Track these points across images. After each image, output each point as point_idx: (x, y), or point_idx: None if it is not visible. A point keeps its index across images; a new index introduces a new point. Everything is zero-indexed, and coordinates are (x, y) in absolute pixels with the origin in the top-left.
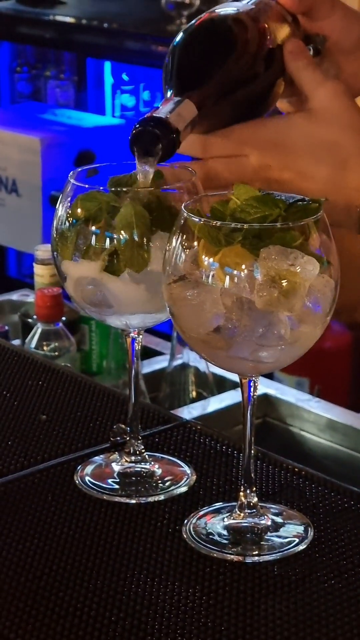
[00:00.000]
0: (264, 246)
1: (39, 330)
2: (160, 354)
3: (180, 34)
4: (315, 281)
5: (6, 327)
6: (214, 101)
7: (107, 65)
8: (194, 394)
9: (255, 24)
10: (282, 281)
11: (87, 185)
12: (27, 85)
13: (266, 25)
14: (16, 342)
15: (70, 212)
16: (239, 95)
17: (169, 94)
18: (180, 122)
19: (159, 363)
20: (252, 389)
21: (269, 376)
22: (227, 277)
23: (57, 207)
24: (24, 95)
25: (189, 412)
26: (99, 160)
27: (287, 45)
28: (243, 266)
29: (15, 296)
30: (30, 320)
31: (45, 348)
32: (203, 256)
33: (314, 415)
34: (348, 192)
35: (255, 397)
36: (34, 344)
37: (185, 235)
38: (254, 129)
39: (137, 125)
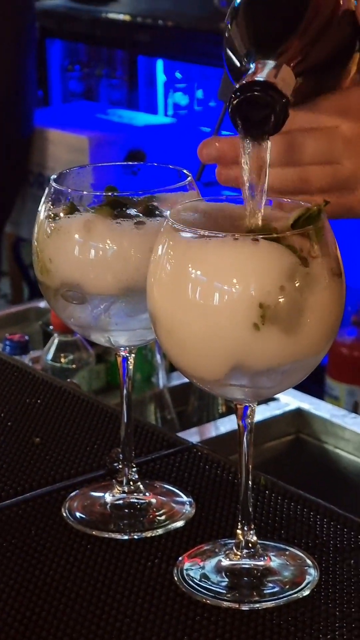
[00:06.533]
0: None
1: (56, 341)
2: None
3: None
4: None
5: (26, 337)
6: (305, 67)
7: (160, 64)
8: (224, 408)
9: None
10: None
11: (70, 190)
12: (79, 84)
13: None
14: (37, 352)
15: None
16: (324, 62)
17: (252, 64)
18: (286, 89)
19: None
20: (247, 416)
21: (304, 388)
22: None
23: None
24: (76, 94)
25: (200, 432)
26: (150, 160)
27: None
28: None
29: (42, 303)
30: (49, 329)
31: (62, 360)
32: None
33: (349, 432)
34: None
35: (252, 424)
36: (50, 355)
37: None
38: (346, 96)
39: (238, 93)
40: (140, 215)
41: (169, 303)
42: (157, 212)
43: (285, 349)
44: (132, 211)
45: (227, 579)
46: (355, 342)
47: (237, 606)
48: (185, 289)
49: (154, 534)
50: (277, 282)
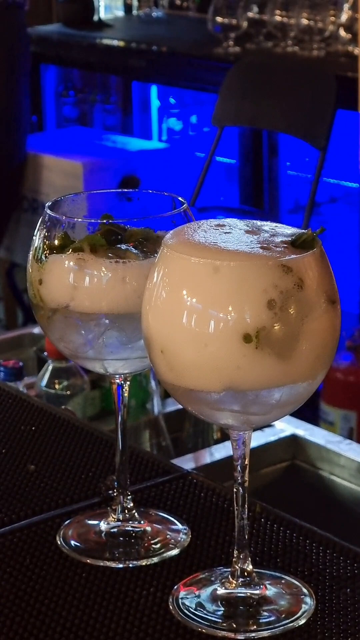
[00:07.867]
0: None
1: (50, 368)
2: None
3: None
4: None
5: (20, 363)
6: None
7: (154, 89)
8: (219, 434)
9: None
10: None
11: (64, 217)
12: (74, 109)
13: None
14: (31, 378)
15: None
16: None
17: None
18: None
19: None
20: (242, 443)
21: (299, 414)
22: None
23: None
24: (71, 120)
25: (195, 459)
26: (144, 185)
27: None
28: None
29: (37, 329)
30: (44, 355)
31: (57, 386)
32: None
33: (344, 458)
34: None
35: (247, 451)
36: (44, 382)
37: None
38: None
39: None
40: (132, 249)
41: (164, 326)
42: (150, 243)
43: (278, 372)
44: (124, 246)
45: (222, 608)
46: (350, 367)
47: (233, 635)
48: (180, 314)
49: (149, 563)
50: (271, 305)
